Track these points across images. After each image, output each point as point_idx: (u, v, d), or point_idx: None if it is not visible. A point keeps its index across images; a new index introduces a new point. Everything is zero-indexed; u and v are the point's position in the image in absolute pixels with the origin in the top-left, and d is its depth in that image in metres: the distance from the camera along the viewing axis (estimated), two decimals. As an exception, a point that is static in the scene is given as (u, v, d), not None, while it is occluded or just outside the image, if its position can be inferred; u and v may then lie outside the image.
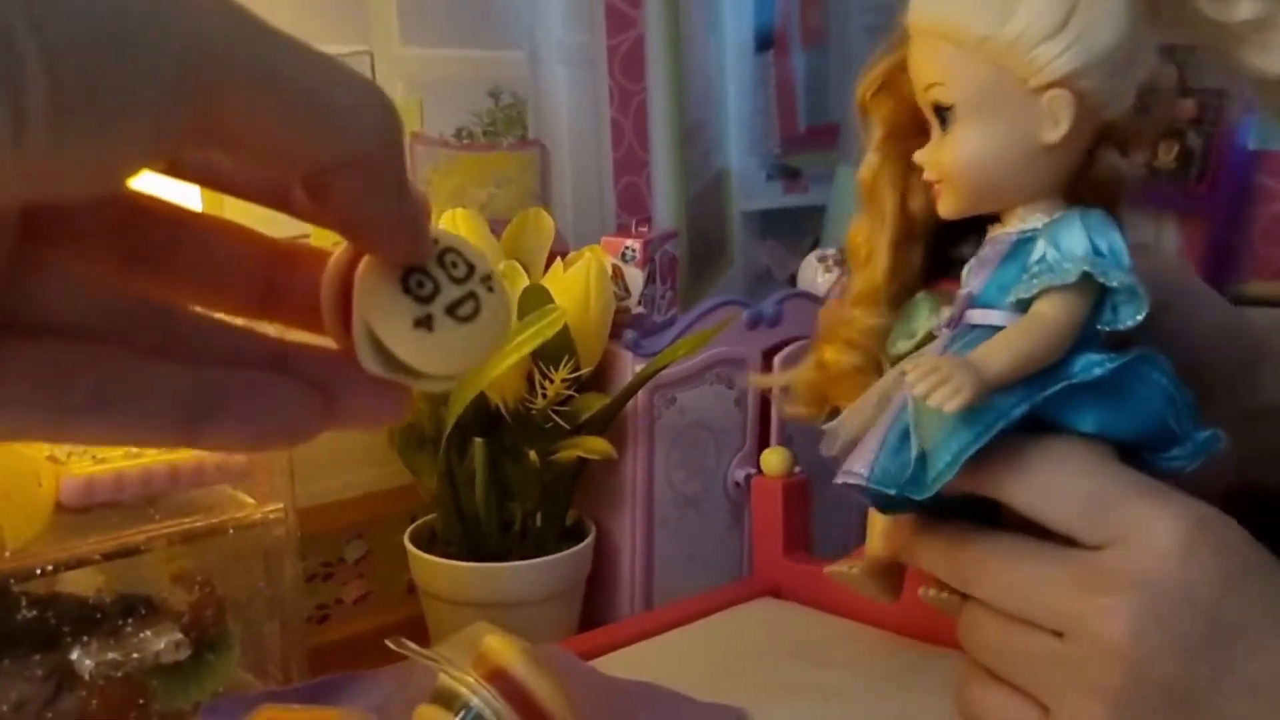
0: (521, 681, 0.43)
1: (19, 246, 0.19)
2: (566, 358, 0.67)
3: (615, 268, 0.75)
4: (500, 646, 0.44)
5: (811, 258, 0.88)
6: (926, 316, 0.44)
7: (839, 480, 0.38)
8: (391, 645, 0.42)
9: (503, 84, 0.84)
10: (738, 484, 0.79)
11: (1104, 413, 0.36)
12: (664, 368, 0.72)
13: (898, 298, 0.50)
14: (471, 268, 0.22)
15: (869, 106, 0.52)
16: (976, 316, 0.38)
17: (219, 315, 0.22)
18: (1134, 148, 0.39)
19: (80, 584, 0.50)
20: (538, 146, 0.86)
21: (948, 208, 0.40)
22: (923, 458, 0.36)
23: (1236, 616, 0.32)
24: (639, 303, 0.75)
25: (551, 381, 0.68)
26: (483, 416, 0.70)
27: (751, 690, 0.57)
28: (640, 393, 0.73)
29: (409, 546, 0.72)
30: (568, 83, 0.88)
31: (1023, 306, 0.37)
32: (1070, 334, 0.36)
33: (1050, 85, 0.36)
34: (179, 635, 0.50)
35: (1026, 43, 0.35)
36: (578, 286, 0.70)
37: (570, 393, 0.69)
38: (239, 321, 0.23)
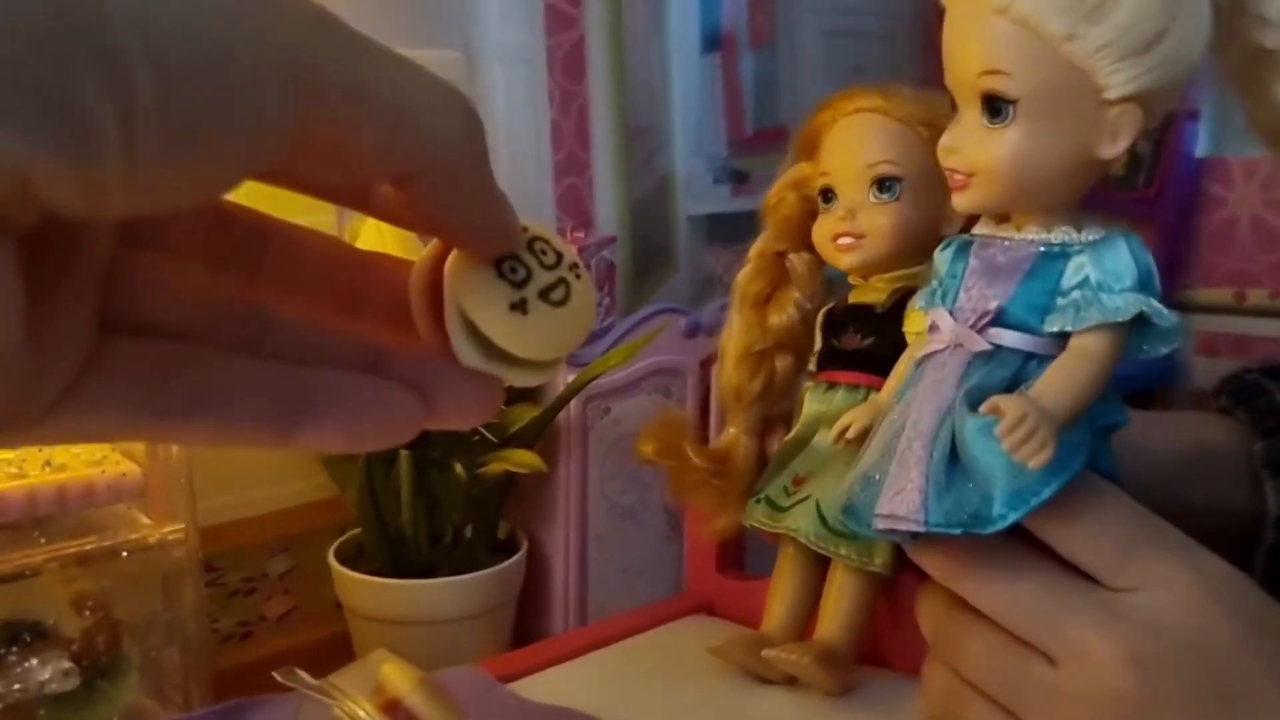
0: (416, 712, 0.41)
1: (116, 251, 0.19)
2: (493, 368, 0.66)
3: (548, 275, 0.73)
4: (397, 675, 0.43)
5: (754, 264, 0.86)
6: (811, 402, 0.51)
7: (881, 526, 0.35)
8: (278, 677, 0.40)
9: (437, 84, 0.82)
10: (675, 496, 0.78)
11: (1112, 451, 0.36)
12: (596, 377, 0.70)
13: (765, 395, 0.53)
14: (560, 255, 0.22)
15: (776, 201, 0.54)
16: (1008, 339, 0.35)
17: (312, 318, 0.23)
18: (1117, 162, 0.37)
19: (-38, 610, 0.48)
20: (474, 149, 0.84)
21: (972, 203, 0.37)
22: (977, 491, 0.34)
23: (1243, 675, 0.32)
24: (573, 310, 0.74)
25: (478, 392, 0.66)
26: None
27: (684, 710, 0.56)
28: (573, 403, 0.71)
29: (333, 562, 0.70)
30: (505, 84, 0.86)
31: (1061, 334, 0.34)
32: (1114, 369, 0.34)
33: (1124, 100, 0.33)
34: (67, 663, 0.47)
35: (1115, 52, 0.32)
36: (505, 295, 0.68)
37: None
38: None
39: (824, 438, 0.53)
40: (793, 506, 0.53)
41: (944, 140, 0.36)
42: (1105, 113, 0.33)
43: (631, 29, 0.94)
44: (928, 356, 0.37)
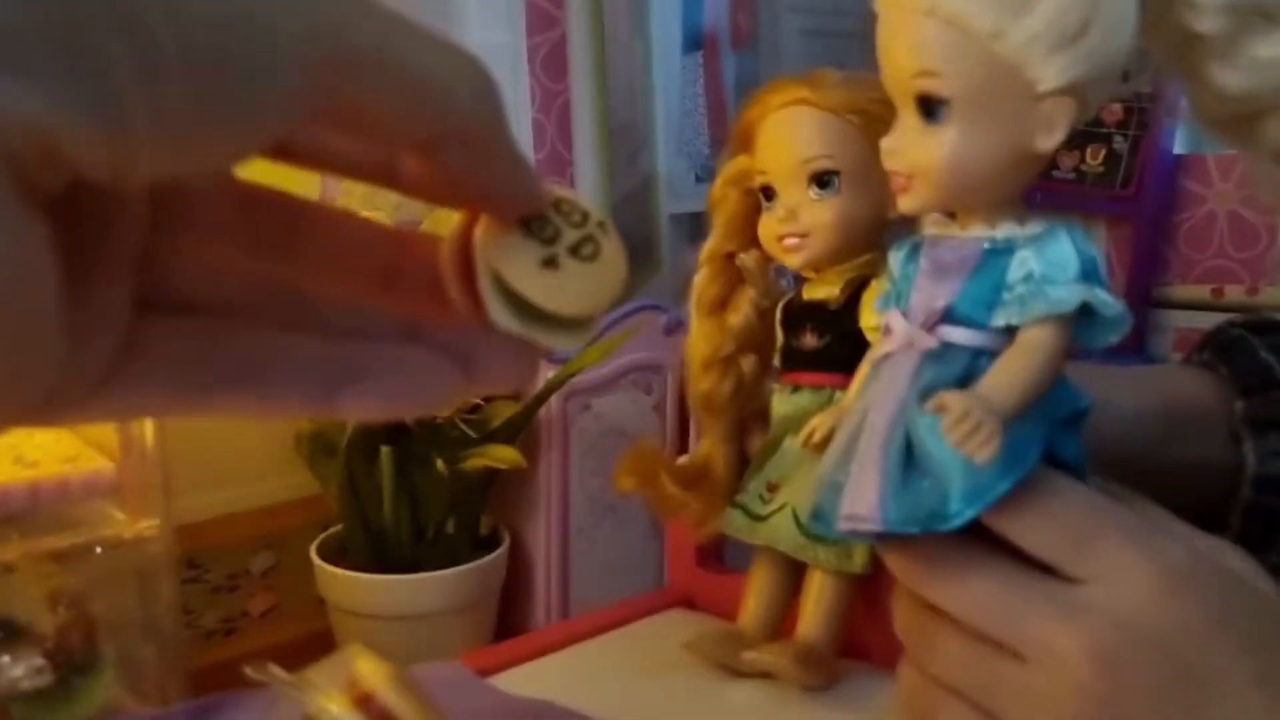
0: (389, 707, 0.41)
1: (151, 233, 0.20)
2: (472, 364, 0.66)
3: (528, 272, 0.73)
4: (370, 670, 0.42)
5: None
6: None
7: (844, 528, 0.36)
8: (250, 673, 0.39)
9: (417, 83, 0.82)
10: (657, 491, 0.78)
11: (1079, 439, 0.36)
12: (575, 374, 0.70)
13: (736, 397, 0.53)
14: (586, 214, 0.22)
15: (719, 199, 0.54)
16: (956, 335, 0.35)
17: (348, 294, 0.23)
18: (1059, 154, 0.38)
19: (-64, 607, 0.48)
20: (455, 147, 0.85)
21: (916, 205, 0.37)
22: (934, 489, 0.34)
23: (1211, 663, 0.32)
24: (553, 307, 0.74)
25: (457, 389, 0.66)
26: (389, 424, 0.68)
27: (663, 703, 0.56)
28: (554, 399, 0.71)
29: (315, 559, 0.70)
30: (486, 82, 0.86)
31: (1009, 328, 0.35)
32: (1064, 360, 0.35)
33: (1057, 92, 0.33)
34: (40, 660, 0.47)
35: (1044, 45, 0.32)
36: (484, 293, 0.68)
37: (478, 401, 0.67)
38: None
39: (793, 442, 0.53)
40: (770, 516, 0.53)
41: (885, 143, 0.37)
42: (1038, 106, 0.33)
43: (613, 29, 0.94)
44: (884, 358, 0.38)
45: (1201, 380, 0.46)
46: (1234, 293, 1.13)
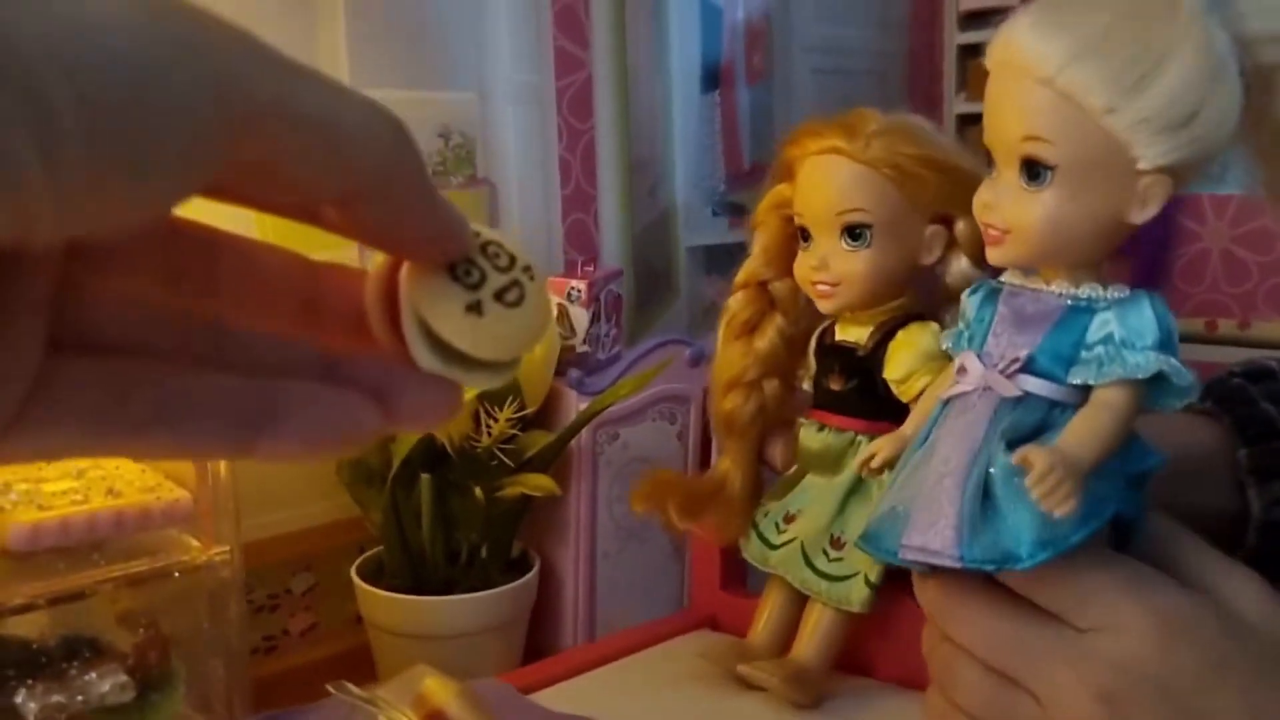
0: (458, 723, 0.45)
1: (65, 271, 0.19)
2: (511, 397, 0.69)
3: (560, 308, 0.77)
4: (438, 688, 0.46)
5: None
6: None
7: (908, 557, 0.37)
8: (332, 690, 0.43)
9: (452, 124, 0.85)
10: (679, 517, 0.81)
11: (1142, 495, 0.37)
12: (608, 406, 0.74)
13: (757, 420, 0.56)
14: (513, 258, 0.22)
15: (760, 223, 0.56)
16: (1035, 386, 0.37)
17: (268, 330, 0.23)
18: None
19: (24, 627, 0.51)
20: (486, 185, 0.88)
21: (1005, 259, 0.38)
22: (1010, 532, 0.35)
23: (1206, 705, 0.34)
24: (584, 341, 0.77)
25: (496, 420, 0.70)
26: (429, 453, 0.71)
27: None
28: (584, 429, 0.75)
29: (355, 580, 0.73)
30: (516, 122, 0.90)
31: (1084, 385, 0.36)
32: (1134, 422, 0.36)
33: (1156, 170, 0.34)
34: (124, 676, 0.51)
35: (1152, 126, 0.34)
36: (523, 328, 0.72)
37: (515, 431, 0.70)
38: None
39: (813, 479, 0.56)
40: (782, 546, 0.56)
41: (982, 196, 0.38)
42: (1137, 181, 0.35)
43: (635, 69, 0.98)
44: (955, 397, 0.38)
45: (1207, 430, 0.49)
46: (1226, 326, 1.17)
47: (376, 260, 0.22)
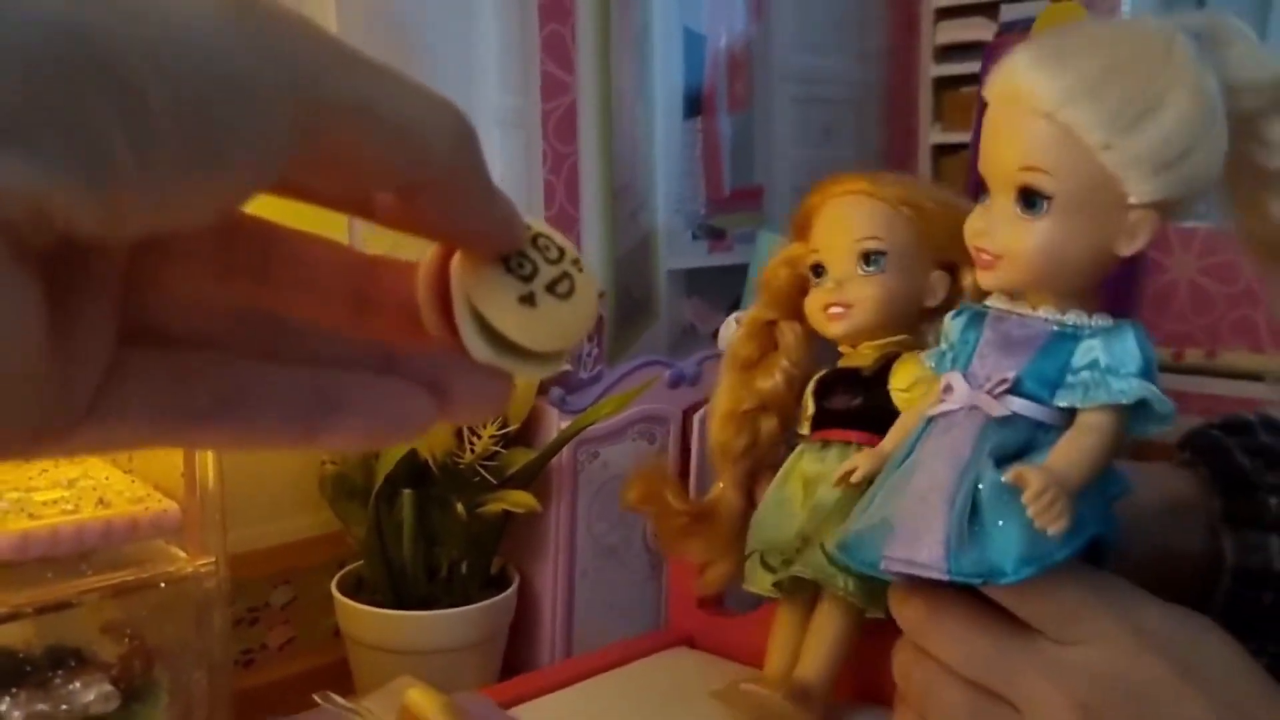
0: (442, 734, 0.45)
1: (131, 266, 0.20)
2: (494, 415, 0.70)
3: (544, 327, 0.78)
4: (422, 699, 0.47)
5: (731, 319, 0.92)
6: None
7: (892, 568, 0.38)
8: (319, 700, 0.44)
9: (439, 145, 0.87)
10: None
11: (1114, 517, 0.39)
12: (590, 425, 0.75)
13: (749, 452, 0.58)
14: (562, 251, 0.23)
15: (770, 276, 0.58)
16: (1018, 406, 0.38)
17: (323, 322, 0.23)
18: None
19: (10, 636, 0.51)
20: (472, 205, 0.89)
21: (996, 283, 0.39)
22: (996, 547, 0.36)
23: (1179, 714, 0.35)
24: (566, 361, 0.79)
25: (479, 437, 0.71)
26: (412, 469, 0.72)
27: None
28: (565, 448, 0.76)
29: (336, 594, 0.73)
30: (501, 144, 0.91)
31: (1069, 409, 0.37)
32: (1119, 448, 0.37)
33: (1146, 206, 0.36)
34: (108, 686, 0.51)
35: (1146, 164, 0.35)
36: (507, 347, 0.73)
37: (498, 448, 0.71)
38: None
39: (825, 494, 0.57)
40: (795, 560, 0.56)
41: (975, 223, 0.39)
42: (1127, 215, 0.36)
43: (619, 95, 1.00)
44: (942, 415, 0.40)
45: (1185, 479, 0.51)
46: (1193, 355, 1.20)
47: (427, 255, 0.22)
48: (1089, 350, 0.38)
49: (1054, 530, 0.35)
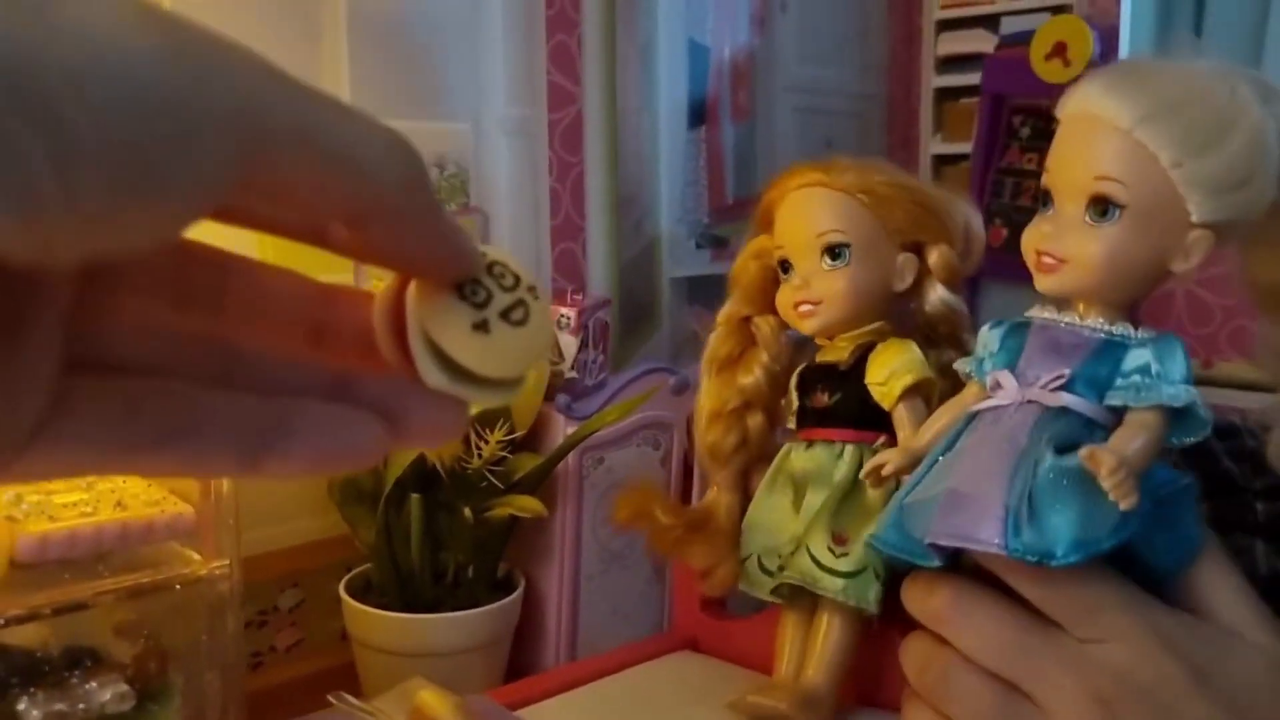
0: (454, 734, 0.46)
1: (80, 292, 0.20)
2: (502, 421, 0.71)
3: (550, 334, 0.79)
4: (433, 700, 0.48)
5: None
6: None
7: (945, 541, 0.39)
8: (333, 700, 0.45)
9: (447, 154, 0.88)
10: (660, 540, 0.83)
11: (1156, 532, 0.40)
12: (595, 431, 0.76)
13: (740, 451, 0.58)
14: (518, 277, 0.23)
15: (740, 271, 0.59)
16: (1071, 401, 0.39)
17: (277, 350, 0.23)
18: None
19: (27, 636, 0.52)
20: (479, 213, 0.91)
21: (1058, 287, 0.41)
22: (1051, 531, 0.37)
23: (1190, 711, 0.37)
24: (572, 367, 0.80)
25: (487, 443, 0.72)
26: (420, 474, 0.73)
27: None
28: (570, 453, 0.77)
29: (344, 596, 0.74)
30: (509, 154, 0.93)
31: (1119, 409, 0.39)
32: (1161, 447, 0.39)
33: (1205, 225, 0.38)
34: (124, 686, 0.52)
35: (1212, 185, 0.37)
36: (514, 354, 0.74)
37: (505, 453, 0.72)
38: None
39: (813, 498, 0.57)
40: (785, 566, 0.57)
41: (1041, 228, 0.41)
42: (1187, 233, 0.38)
43: (625, 105, 1.01)
44: (990, 410, 0.41)
45: None
46: (1191, 366, 1.21)
47: (382, 282, 0.23)
48: (1139, 357, 0.39)
49: (1126, 504, 0.36)
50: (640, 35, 1.02)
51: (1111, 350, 0.40)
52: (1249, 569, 0.49)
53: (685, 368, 0.86)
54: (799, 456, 0.58)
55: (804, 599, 0.58)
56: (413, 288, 0.22)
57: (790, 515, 0.57)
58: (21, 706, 0.50)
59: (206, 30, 0.17)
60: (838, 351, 0.57)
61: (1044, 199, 0.42)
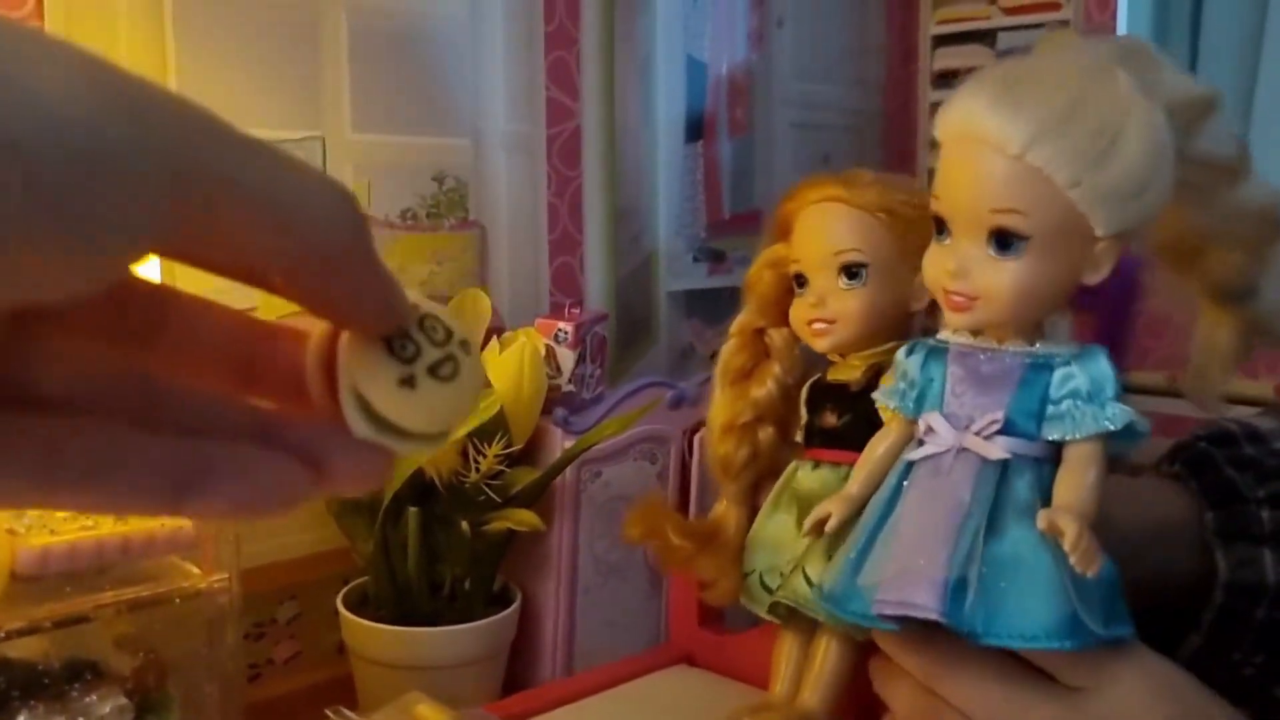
0: (451, 748, 0.47)
1: (7, 326, 0.20)
2: (499, 434, 0.72)
3: (548, 348, 0.80)
4: (431, 714, 0.48)
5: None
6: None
7: (886, 612, 0.37)
8: (330, 715, 0.45)
9: (447, 169, 0.89)
10: (657, 554, 0.83)
11: None
12: (592, 445, 0.76)
13: (751, 464, 0.58)
14: (450, 332, 0.23)
15: (755, 280, 0.58)
16: (1011, 445, 0.38)
17: (206, 388, 0.23)
18: None
19: (27, 649, 0.53)
20: (477, 227, 0.91)
21: (973, 323, 0.39)
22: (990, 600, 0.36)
23: None
24: (569, 381, 0.80)
25: (485, 456, 0.72)
26: (418, 487, 0.73)
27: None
28: (568, 467, 0.77)
29: (341, 610, 0.74)
30: (508, 168, 0.93)
31: (1055, 440, 0.38)
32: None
33: (1111, 237, 0.36)
34: (123, 699, 0.52)
35: (1115, 195, 0.36)
36: (512, 369, 0.74)
37: (502, 467, 0.73)
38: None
39: (788, 524, 0.57)
40: (784, 584, 0.57)
41: (946, 265, 0.39)
42: (1094, 246, 0.37)
43: (623, 120, 1.02)
44: (927, 459, 0.39)
45: (1176, 493, 0.52)
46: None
47: (319, 327, 0.23)
48: (1066, 378, 0.38)
49: (1091, 572, 0.35)
50: (638, 51, 1.03)
51: (1038, 375, 0.39)
52: (1257, 579, 0.49)
53: (683, 381, 0.87)
54: (805, 476, 0.57)
55: (803, 619, 0.57)
56: (345, 337, 0.22)
57: (793, 534, 0.56)
58: (22, 719, 0.50)
59: (149, 86, 0.17)
60: (850, 370, 0.57)
61: (939, 227, 0.40)
